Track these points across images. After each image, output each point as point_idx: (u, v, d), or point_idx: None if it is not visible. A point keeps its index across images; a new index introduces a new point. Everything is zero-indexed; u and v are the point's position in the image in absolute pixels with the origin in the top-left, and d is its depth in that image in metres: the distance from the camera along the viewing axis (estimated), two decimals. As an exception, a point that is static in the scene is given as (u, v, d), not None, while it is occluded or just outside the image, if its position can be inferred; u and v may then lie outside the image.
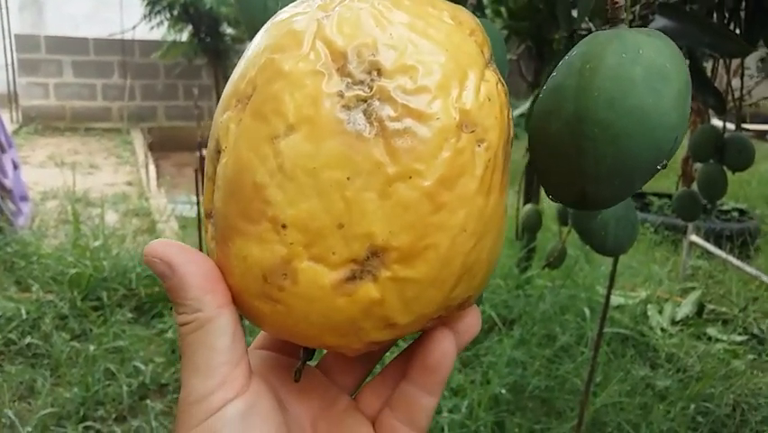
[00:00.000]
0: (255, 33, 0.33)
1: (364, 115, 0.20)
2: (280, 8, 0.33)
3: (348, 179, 0.20)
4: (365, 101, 0.20)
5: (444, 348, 0.24)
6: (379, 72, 0.20)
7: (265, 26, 0.23)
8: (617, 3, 0.25)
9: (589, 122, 0.23)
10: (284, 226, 0.20)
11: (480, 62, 0.22)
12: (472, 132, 0.21)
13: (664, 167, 0.25)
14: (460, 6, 0.24)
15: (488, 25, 0.38)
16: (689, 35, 0.72)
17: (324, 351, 0.28)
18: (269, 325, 0.23)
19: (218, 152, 0.22)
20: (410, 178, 0.20)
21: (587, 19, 0.91)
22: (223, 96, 0.23)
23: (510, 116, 0.23)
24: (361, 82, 0.20)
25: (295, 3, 0.24)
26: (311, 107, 0.20)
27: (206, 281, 0.22)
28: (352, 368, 0.28)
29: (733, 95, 1.20)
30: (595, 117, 0.23)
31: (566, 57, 0.25)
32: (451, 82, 0.21)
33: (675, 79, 0.23)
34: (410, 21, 0.21)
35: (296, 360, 0.26)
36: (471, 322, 0.26)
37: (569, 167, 0.25)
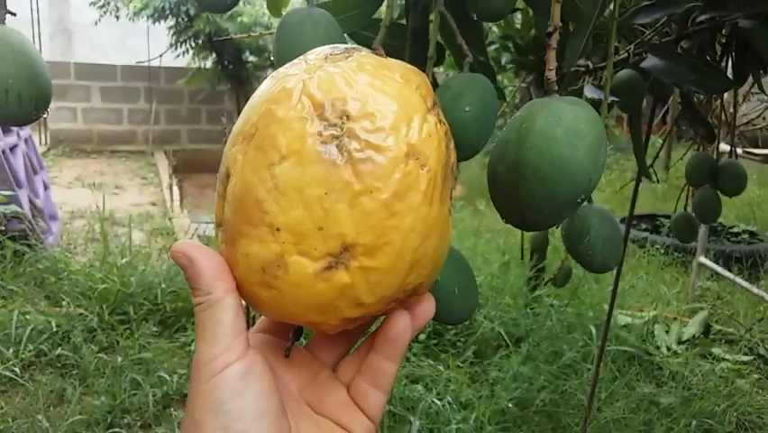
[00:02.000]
0: None
1: (337, 148, 0.27)
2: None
3: (326, 194, 0.27)
4: (338, 138, 0.27)
5: (402, 324, 0.31)
6: (348, 117, 0.27)
7: (265, 82, 0.32)
8: (549, 79, 0.34)
9: (524, 166, 0.32)
10: (278, 230, 0.27)
11: (423, 109, 0.29)
12: (417, 159, 0.28)
13: (584, 200, 0.33)
14: (410, 67, 0.32)
15: (476, 79, 0.46)
16: (677, 73, 0.79)
17: (312, 333, 0.35)
18: (266, 307, 0.29)
19: (227, 176, 0.30)
20: (371, 192, 0.27)
21: (584, 57, 0.99)
22: (231, 134, 0.31)
23: (450, 146, 0.31)
24: (335, 125, 0.27)
25: (288, 65, 0.32)
26: (298, 143, 0.27)
27: (216, 272, 0.29)
28: (332, 347, 0.35)
29: (734, 121, 1.26)
30: (528, 163, 0.32)
31: (512, 118, 0.34)
32: (400, 124, 0.28)
33: (588, 136, 0.31)
34: (371, 80, 0.28)
35: (287, 341, 0.34)
36: (427, 308, 0.32)
37: (512, 199, 0.33)
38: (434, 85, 0.49)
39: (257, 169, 0.28)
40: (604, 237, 0.73)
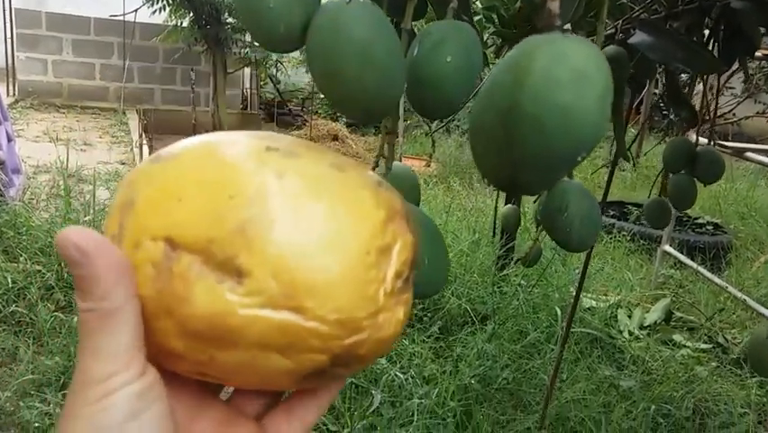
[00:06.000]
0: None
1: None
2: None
3: None
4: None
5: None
6: None
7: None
8: (552, 11, 0.28)
9: (519, 115, 0.27)
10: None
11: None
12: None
13: (583, 159, 0.28)
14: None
15: (460, 27, 0.43)
16: (664, 50, 0.77)
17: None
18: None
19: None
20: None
21: (571, 29, 0.96)
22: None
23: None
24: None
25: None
26: None
27: (117, 273, 0.23)
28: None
29: (709, 112, 1.26)
30: (524, 111, 0.26)
31: (503, 58, 0.29)
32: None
33: (597, 83, 0.26)
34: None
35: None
36: None
37: (501, 155, 0.28)
38: (413, 36, 0.46)
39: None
40: (583, 214, 0.69)
